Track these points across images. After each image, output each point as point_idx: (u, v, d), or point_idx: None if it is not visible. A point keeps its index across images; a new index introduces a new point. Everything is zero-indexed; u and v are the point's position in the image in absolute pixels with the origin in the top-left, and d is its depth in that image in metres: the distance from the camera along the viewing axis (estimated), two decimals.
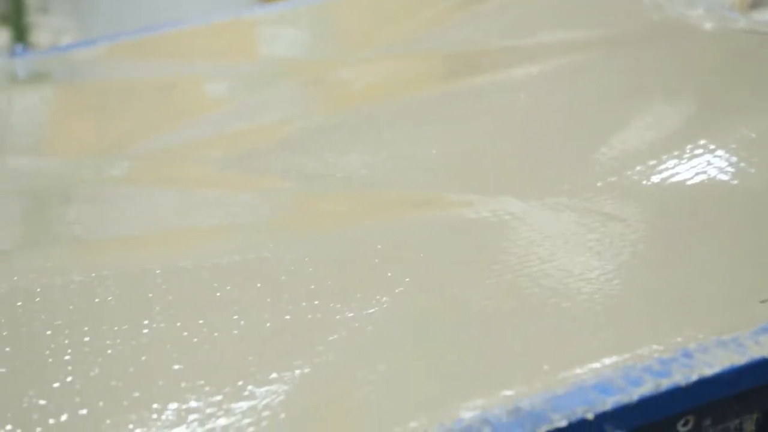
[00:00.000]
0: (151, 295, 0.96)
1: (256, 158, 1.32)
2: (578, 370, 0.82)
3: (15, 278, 0.98)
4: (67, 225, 1.18)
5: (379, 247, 1.05)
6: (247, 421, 0.80)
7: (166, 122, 1.51)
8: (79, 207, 1.24)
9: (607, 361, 0.83)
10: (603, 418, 0.77)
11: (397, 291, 0.96)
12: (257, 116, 1.49)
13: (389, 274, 0.99)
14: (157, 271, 1.00)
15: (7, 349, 0.88)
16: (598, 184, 1.13)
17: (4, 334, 0.90)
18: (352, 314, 0.93)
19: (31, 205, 1.22)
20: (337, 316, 0.93)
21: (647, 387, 0.78)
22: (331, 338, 0.90)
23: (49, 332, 0.90)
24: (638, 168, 1.14)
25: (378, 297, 0.96)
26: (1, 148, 1.40)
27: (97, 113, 1.58)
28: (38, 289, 0.96)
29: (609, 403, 0.77)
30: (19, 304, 0.94)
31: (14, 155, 1.37)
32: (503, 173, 1.19)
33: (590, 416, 0.76)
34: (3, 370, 0.85)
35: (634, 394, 0.78)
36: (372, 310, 0.94)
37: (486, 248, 1.04)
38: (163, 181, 1.28)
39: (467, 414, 0.78)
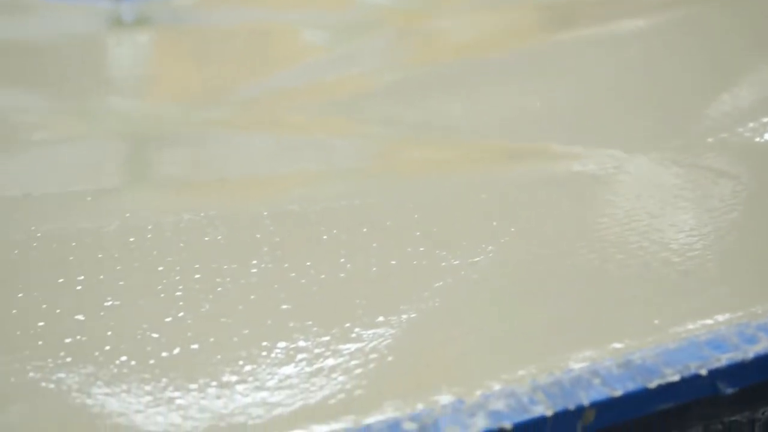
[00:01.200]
0: (258, 236, 0.97)
1: (357, 105, 1.32)
2: (690, 326, 0.81)
3: (127, 215, 1.00)
4: (168, 167, 1.20)
5: (484, 196, 1.04)
6: (354, 362, 0.81)
7: (264, 69, 1.51)
8: (179, 150, 1.25)
9: (720, 317, 0.81)
10: (716, 374, 0.75)
11: (502, 241, 0.96)
12: (355, 64, 1.49)
13: (494, 224, 0.99)
14: (265, 213, 1.01)
15: (121, 282, 0.90)
16: (709, 140, 1.11)
17: (118, 268, 0.92)
18: (457, 262, 0.93)
19: (133, 146, 1.24)
20: (443, 264, 0.93)
21: (762, 345, 0.77)
22: (437, 285, 0.90)
23: (161, 268, 0.92)
24: (751, 125, 1.12)
25: (483, 246, 0.95)
26: (105, 90, 1.42)
27: (198, 58, 1.59)
28: (149, 227, 0.98)
29: (723, 360, 0.76)
30: (132, 240, 0.96)
31: (118, 97, 1.39)
32: (610, 126, 1.17)
33: (704, 372, 0.75)
34: (117, 302, 0.87)
35: (749, 352, 0.76)
36: (477, 259, 0.93)
37: (592, 201, 1.02)
38: (263, 125, 1.29)
39: (576, 365, 0.78)
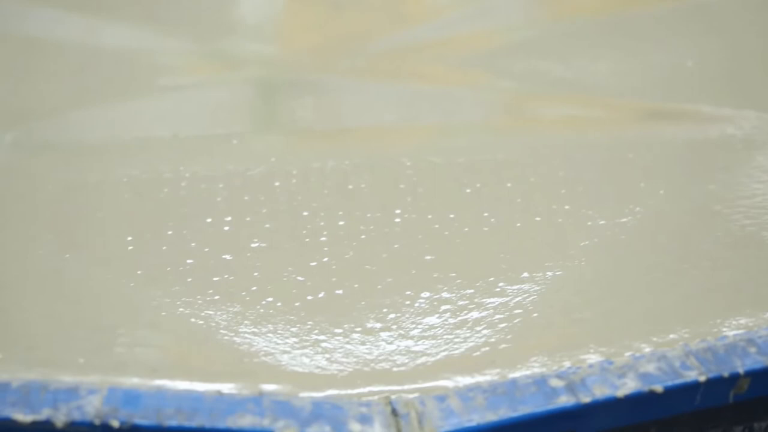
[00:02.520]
0: (402, 186, 0.97)
1: (493, 60, 1.30)
2: None
3: (272, 159, 1.01)
4: (298, 113, 1.20)
5: (631, 156, 1.02)
6: (499, 316, 0.80)
7: (397, 22, 1.50)
8: (309, 98, 1.25)
9: None
10: None
11: (650, 202, 0.94)
12: (490, 19, 1.46)
13: (642, 185, 0.97)
14: (408, 163, 1.00)
15: (267, 225, 0.91)
16: None
17: (264, 211, 0.93)
18: (604, 222, 0.91)
19: (263, 92, 1.25)
20: (589, 223, 0.91)
21: None
22: (582, 244, 0.88)
23: (305, 213, 0.92)
24: None
25: (630, 207, 0.93)
26: (240, 35, 1.43)
27: (333, 9, 1.59)
28: (294, 171, 0.98)
29: None
30: (277, 184, 0.97)
31: (249, 42, 1.40)
32: (763, 89, 1.13)
33: None
34: (264, 245, 0.88)
35: None
36: (625, 220, 0.91)
37: (746, 166, 0.99)
38: (398, 77, 1.28)
39: (731, 332, 0.75)
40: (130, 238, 0.88)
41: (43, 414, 0.66)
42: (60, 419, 0.66)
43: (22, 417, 0.66)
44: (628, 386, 0.71)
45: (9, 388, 0.68)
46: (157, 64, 1.27)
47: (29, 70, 1.23)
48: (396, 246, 0.89)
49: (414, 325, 0.79)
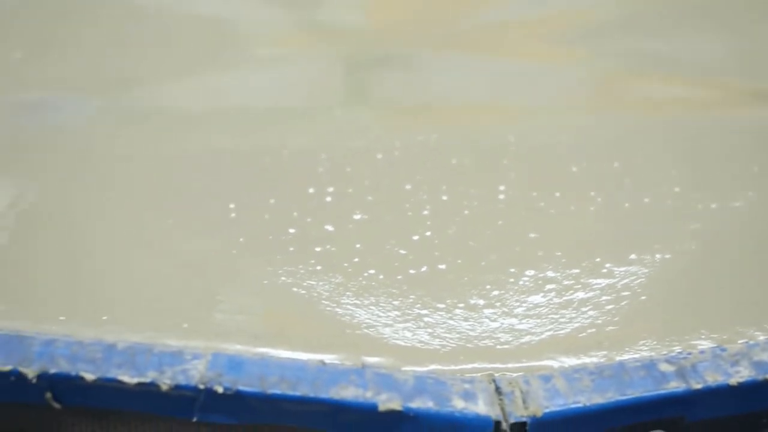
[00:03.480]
0: (506, 162, 0.95)
1: (595, 37, 1.27)
2: None
3: (373, 132, 1.00)
4: (392, 88, 1.18)
5: (741, 139, 0.99)
6: (606, 298, 0.78)
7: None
8: (401, 72, 1.24)
9: None
10: None
11: (764, 187, 0.90)
12: None
13: (755, 169, 0.93)
14: (511, 140, 0.98)
15: (369, 198, 0.90)
16: None
17: (366, 183, 0.92)
18: (715, 206, 0.88)
19: (352, 66, 1.24)
20: (699, 206, 0.88)
21: None
22: (692, 227, 0.86)
23: (408, 187, 0.91)
24: None
25: (743, 191, 0.90)
26: (327, 7, 1.41)
27: None
28: (397, 144, 0.97)
29: None
30: (380, 156, 0.96)
31: (340, 14, 1.38)
32: None
33: None
34: (366, 216, 0.87)
35: None
36: (737, 204, 0.88)
37: None
38: (489, 53, 1.26)
39: None
40: (232, 206, 0.88)
41: (149, 376, 0.67)
42: (165, 382, 0.66)
43: (128, 378, 0.66)
44: (742, 374, 0.68)
45: (115, 349, 0.68)
46: (250, 34, 1.27)
47: (126, 39, 1.24)
48: (500, 223, 0.87)
49: (518, 303, 0.78)
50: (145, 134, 1.01)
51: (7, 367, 0.66)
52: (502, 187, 0.91)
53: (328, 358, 0.72)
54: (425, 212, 0.88)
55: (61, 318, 0.73)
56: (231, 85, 1.14)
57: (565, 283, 0.80)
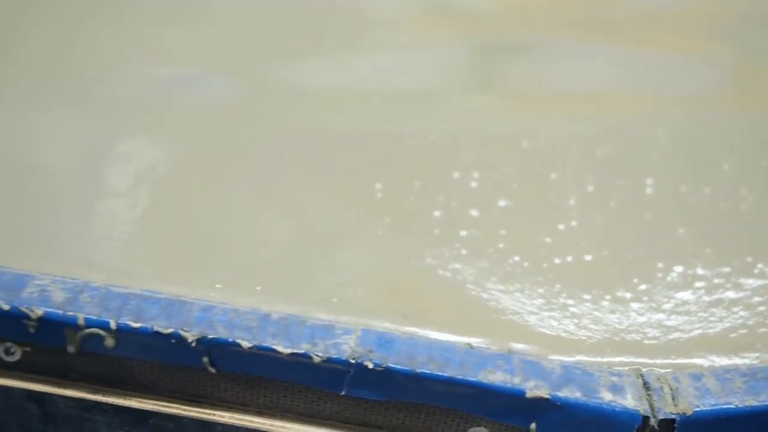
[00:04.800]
0: (654, 156, 0.93)
1: (740, 32, 1.23)
2: None
3: (517, 120, 1.00)
4: (522, 75, 1.16)
5: None
6: (758, 299, 0.76)
7: None
8: (535, 59, 1.22)
9: None
10: None
11: None
12: None
13: None
14: (660, 133, 0.97)
15: (514, 185, 0.90)
16: None
17: (510, 171, 0.92)
18: None
19: (476, 53, 1.23)
20: None
21: None
22: None
23: (553, 176, 0.91)
24: None
25: None
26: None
27: None
28: (543, 132, 0.97)
29: None
30: (525, 145, 0.96)
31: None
32: None
33: None
34: (510, 203, 0.87)
35: None
36: None
37: None
38: (625, 42, 1.23)
39: None
40: (378, 186, 0.89)
41: (302, 348, 0.68)
42: (317, 355, 0.68)
43: (282, 348, 0.68)
44: None
45: (269, 319, 0.70)
46: (379, 17, 1.27)
47: (264, 19, 1.26)
48: (647, 216, 0.86)
49: (666, 299, 0.77)
50: (287, 113, 1.03)
51: (169, 330, 0.68)
52: (649, 181, 0.90)
53: (474, 341, 0.72)
54: (571, 202, 0.88)
55: (218, 286, 0.75)
56: (365, 67, 1.14)
57: (716, 281, 0.78)
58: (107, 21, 1.17)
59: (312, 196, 0.88)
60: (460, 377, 0.67)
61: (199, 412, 0.71)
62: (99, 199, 0.86)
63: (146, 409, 0.71)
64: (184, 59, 1.14)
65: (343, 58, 1.16)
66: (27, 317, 0.68)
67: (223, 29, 1.21)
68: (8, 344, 0.70)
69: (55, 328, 0.68)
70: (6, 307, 0.68)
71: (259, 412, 0.72)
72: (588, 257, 0.82)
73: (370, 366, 0.68)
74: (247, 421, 0.71)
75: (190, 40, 1.19)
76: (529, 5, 1.35)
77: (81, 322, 0.68)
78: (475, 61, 1.19)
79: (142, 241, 0.81)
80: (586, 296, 0.77)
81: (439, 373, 0.67)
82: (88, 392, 0.71)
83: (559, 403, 0.67)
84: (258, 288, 0.76)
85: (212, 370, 0.69)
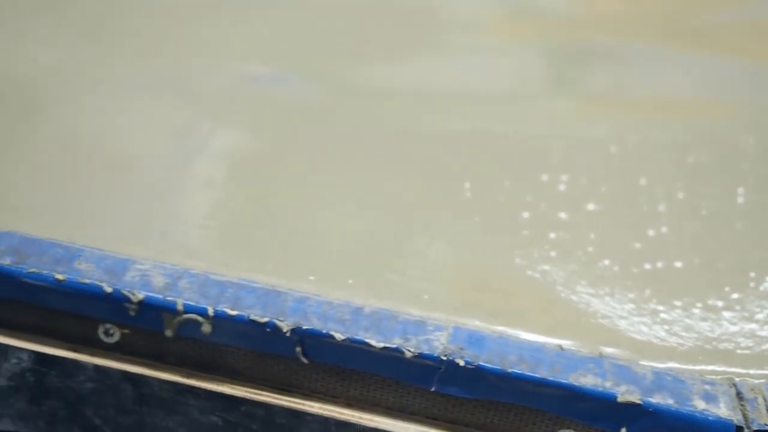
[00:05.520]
0: (745, 164, 0.92)
1: None
2: None
3: (606, 124, 0.99)
4: (605, 80, 1.15)
5: None
6: None
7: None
8: (619, 64, 1.21)
9: None
10: None
11: None
12: None
13: None
14: (750, 142, 0.96)
15: (603, 189, 0.89)
16: None
17: (599, 174, 0.91)
18: None
19: (555, 57, 1.22)
20: None
21: None
22: None
23: (643, 181, 0.90)
24: None
25: None
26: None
27: None
28: (632, 137, 0.96)
29: None
30: (613, 149, 0.95)
31: (549, 2, 1.36)
32: None
33: None
34: (600, 207, 0.87)
35: None
36: None
37: None
38: (709, 50, 1.22)
39: None
40: (467, 185, 0.89)
41: (394, 342, 0.69)
42: (409, 350, 0.68)
43: (375, 342, 0.69)
44: None
45: (362, 313, 0.71)
46: (457, 21, 1.27)
47: (343, 21, 1.26)
48: (738, 225, 0.85)
49: (759, 309, 0.76)
50: (374, 112, 1.03)
51: (264, 319, 0.69)
52: (740, 190, 0.89)
53: (564, 343, 0.72)
54: (660, 208, 0.87)
55: (311, 277, 0.76)
56: (445, 69, 1.14)
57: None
58: (203, 19, 1.19)
59: (402, 194, 0.88)
60: (551, 378, 0.67)
61: (289, 401, 0.72)
62: (195, 191, 0.87)
63: (238, 395, 0.72)
64: (273, 58, 1.15)
65: (423, 61, 1.16)
66: (128, 300, 0.69)
67: (309, 31, 1.22)
68: (108, 326, 0.72)
69: (154, 312, 0.70)
70: (109, 290, 0.69)
71: (349, 404, 0.73)
72: (678, 264, 0.81)
73: (462, 363, 0.68)
74: (336, 412, 0.72)
75: (279, 41, 1.20)
76: (608, 11, 1.34)
77: (180, 307, 0.69)
78: (555, 65, 1.18)
79: (237, 232, 0.82)
80: (677, 303, 0.77)
81: (531, 374, 0.68)
82: (183, 376, 0.72)
83: (651, 409, 0.66)
84: (350, 281, 0.76)
85: (304, 360, 0.70)
